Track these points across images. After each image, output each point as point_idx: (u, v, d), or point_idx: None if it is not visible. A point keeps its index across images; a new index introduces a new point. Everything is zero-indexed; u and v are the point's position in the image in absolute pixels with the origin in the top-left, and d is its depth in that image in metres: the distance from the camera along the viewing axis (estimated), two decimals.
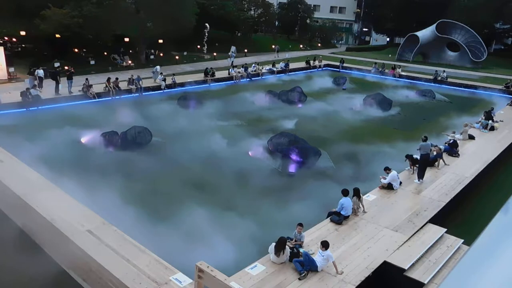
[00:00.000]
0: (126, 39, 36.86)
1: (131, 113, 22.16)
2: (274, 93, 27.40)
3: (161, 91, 27.94)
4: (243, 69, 34.78)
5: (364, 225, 11.14)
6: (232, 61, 39.53)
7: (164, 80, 28.39)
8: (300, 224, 9.89)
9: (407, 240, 10.45)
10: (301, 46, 61.08)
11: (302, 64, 42.07)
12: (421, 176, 14.22)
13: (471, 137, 19.40)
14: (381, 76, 39.16)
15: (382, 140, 20.16)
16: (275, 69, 37.62)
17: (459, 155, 16.99)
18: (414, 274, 9.29)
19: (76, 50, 34.87)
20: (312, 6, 69.07)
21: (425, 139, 14.40)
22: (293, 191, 14.15)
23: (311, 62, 42.42)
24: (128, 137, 17.36)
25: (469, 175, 15.00)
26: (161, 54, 40.47)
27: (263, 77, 35.48)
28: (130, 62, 36.38)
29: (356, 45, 73.67)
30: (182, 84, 29.62)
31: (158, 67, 30.22)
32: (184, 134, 19.54)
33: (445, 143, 17.63)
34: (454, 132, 19.05)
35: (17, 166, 13.47)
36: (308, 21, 66.48)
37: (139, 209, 11.67)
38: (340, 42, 73.19)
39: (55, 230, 9.85)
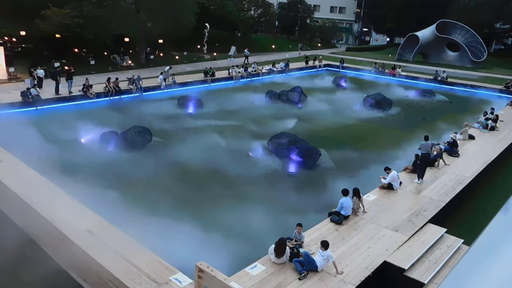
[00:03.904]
0: (126, 39, 36.84)
1: (131, 113, 22.17)
2: (274, 93, 27.39)
3: (161, 91, 27.95)
4: (243, 69, 34.78)
5: (364, 225, 11.14)
6: (247, 58, 40.35)
7: (164, 80, 28.40)
8: (300, 224, 9.90)
9: (407, 240, 10.45)
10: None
11: (302, 64, 42.07)
12: (421, 175, 14.23)
13: (471, 137, 19.41)
14: (381, 76, 39.16)
15: (382, 140, 20.17)
16: (275, 69, 37.60)
17: (459, 155, 17.00)
18: (414, 274, 9.29)
19: (76, 50, 34.82)
20: (312, 6, 69.04)
21: (426, 138, 14.41)
22: (293, 191, 14.14)
23: (311, 62, 42.44)
24: (128, 137, 17.37)
25: (469, 175, 15.00)
26: (161, 54, 40.45)
27: (263, 77, 35.49)
28: (130, 62, 36.34)
29: (356, 45, 73.61)
30: (182, 84, 29.62)
31: (168, 69, 30.08)
32: (184, 134, 19.53)
33: (445, 143, 17.63)
34: (455, 133, 19.04)
35: (17, 166, 13.46)
36: (308, 21, 66.43)
37: (139, 209, 11.67)
38: (340, 42, 73.10)
39: (55, 230, 9.85)
